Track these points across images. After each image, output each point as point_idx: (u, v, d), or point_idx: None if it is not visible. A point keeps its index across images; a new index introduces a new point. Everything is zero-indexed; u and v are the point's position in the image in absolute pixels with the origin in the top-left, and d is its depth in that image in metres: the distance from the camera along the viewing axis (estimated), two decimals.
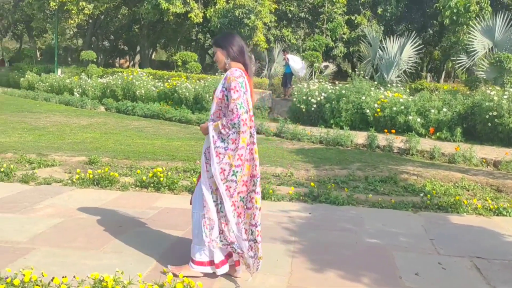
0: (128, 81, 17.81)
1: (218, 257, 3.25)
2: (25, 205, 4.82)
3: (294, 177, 6.93)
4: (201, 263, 3.28)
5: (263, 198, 5.53)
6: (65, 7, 21.38)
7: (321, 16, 22.72)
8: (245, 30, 18.23)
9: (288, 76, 15.07)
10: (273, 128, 11.42)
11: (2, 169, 5.90)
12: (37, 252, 3.60)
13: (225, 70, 3.32)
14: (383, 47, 17.00)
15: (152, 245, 3.86)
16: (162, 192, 5.67)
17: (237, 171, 3.12)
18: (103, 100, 16.97)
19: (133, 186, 5.81)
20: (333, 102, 11.90)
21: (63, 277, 2.83)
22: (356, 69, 19.98)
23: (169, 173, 5.98)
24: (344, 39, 22.51)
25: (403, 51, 16.77)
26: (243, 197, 3.24)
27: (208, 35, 30.47)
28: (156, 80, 17.85)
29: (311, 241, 4.13)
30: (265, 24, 19.16)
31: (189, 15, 20.07)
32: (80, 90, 20.01)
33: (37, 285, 2.78)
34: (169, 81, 17.35)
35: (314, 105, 12.41)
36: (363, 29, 22.26)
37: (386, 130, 10.34)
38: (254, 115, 11.11)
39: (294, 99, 12.98)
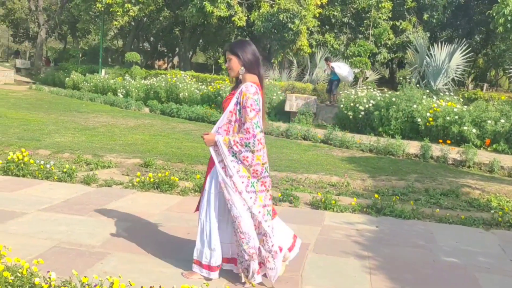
0: (172, 83, 17.99)
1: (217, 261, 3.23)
2: (92, 207, 4.85)
3: (351, 187, 6.77)
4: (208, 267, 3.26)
5: (325, 208, 5.44)
6: (111, 9, 21.80)
7: (365, 21, 22.41)
8: (288, 35, 18.14)
9: (334, 83, 14.76)
10: (320, 134, 11.26)
11: (64, 170, 5.98)
12: (112, 257, 3.58)
13: (237, 79, 3.28)
14: (430, 54, 16.60)
15: None
16: None
17: (254, 182, 3.13)
18: (148, 101, 17.17)
19: (192, 190, 5.78)
20: (382, 110, 11.63)
21: (151, 286, 2.78)
22: (395, 75, 19.62)
23: None
24: (387, 45, 22.11)
25: (452, 59, 16.33)
26: (269, 210, 3.23)
27: (248, 39, 30.45)
28: (200, 83, 17.96)
29: (386, 258, 3.97)
30: (307, 28, 19.00)
31: (232, 19, 20.14)
32: (124, 91, 20.35)
33: None
34: (212, 84, 17.43)
35: (362, 112, 12.18)
36: (408, 35, 21.86)
37: (441, 141, 10.02)
38: (300, 121, 11.03)
39: (342, 106, 12.78)
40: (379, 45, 20.88)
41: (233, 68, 3.22)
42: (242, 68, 3.19)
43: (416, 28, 22.40)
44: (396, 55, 22.46)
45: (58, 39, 40.45)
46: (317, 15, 19.57)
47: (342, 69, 14.68)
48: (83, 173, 6.26)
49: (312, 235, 4.45)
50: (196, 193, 5.75)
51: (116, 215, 4.64)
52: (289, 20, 17.77)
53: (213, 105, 16.33)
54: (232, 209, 3.10)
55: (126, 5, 21.31)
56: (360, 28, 22.56)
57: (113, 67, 24.93)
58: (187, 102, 17.10)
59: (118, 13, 21.58)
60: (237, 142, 3.06)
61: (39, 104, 16.53)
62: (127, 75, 21.47)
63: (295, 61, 21.10)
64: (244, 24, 20.56)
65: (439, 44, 16.39)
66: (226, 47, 3.34)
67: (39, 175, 5.90)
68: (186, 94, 17.27)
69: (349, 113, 12.45)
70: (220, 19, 20.48)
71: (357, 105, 12.31)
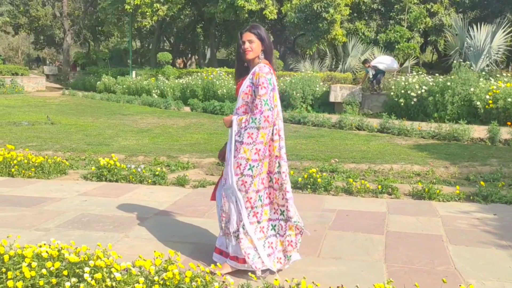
0: (208, 80, 17.98)
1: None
2: (203, 209, 4.82)
3: (436, 175, 6.66)
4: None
5: (429, 198, 5.34)
6: (140, 10, 21.83)
7: (395, 6, 22.06)
8: (323, 24, 17.94)
9: (379, 75, 14.42)
10: (376, 124, 11.13)
11: (157, 173, 5.98)
12: None
13: (250, 63, 3.21)
14: (469, 35, 16.27)
15: (366, 250, 3.74)
16: (319, 193, 5.55)
17: (253, 166, 3.06)
18: (189, 100, 17.17)
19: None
20: (437, 95, 11.44)
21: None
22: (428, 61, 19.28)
23: (323, 174, 5.83)
24: (420, 29, 21.74)
25: (494, 39, 15.98)
26: (261, 196, 3.16)
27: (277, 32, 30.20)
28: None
29: None
30: (341, 17, 18.78)
31: (264, 12, 20.01)
32: (158, 91, 20.41)
33: None
34: None
35: (414, 99, 11.99)
36: (441, 18, 21.47)
37: (509, 123, 9.78)
38: (345, 111, 10.93)
39: (392, 93, 12.60)
40: (414, 29, 20.52)
41: (254, 50, 3.16)
42: (262, 54, 3.19)
43: (448, 10, 21.97)
44: (430, 38, 22.06)
45: (79, 43, 40.69)
46: (349, 3, 19.32)
47: (385, 60, 14.35)
48: (172, 175, 6.25)
49: (437, 226, 4.36)
50: (297, 190, 5.69)
51: None
52: (323, 9, 17.58)
53: None
54: (226, 184, 3.14)
55: (155, 5, 21.30)
56: (391, 14, 22.21)
57: (143, 68, 25.00)
58: (226, 98, 17.05)
59: (147, 13, 21.59)
60: (248, 119, 3.06)
61: (81, 109, 16.66)
62: (160, 75, 21.50)
63: (328, 51, 20.92)
64: (275, 17, 20.41)
65: (481, 25, 16.04)
66: (248, 28, 3.22)
67: (133, 179, 5.91)
68: (225, 90, 17.24)
69: (400, 100, 12.27)
70: (250, 13, 20.33)
71: (408, 92, 12.13)
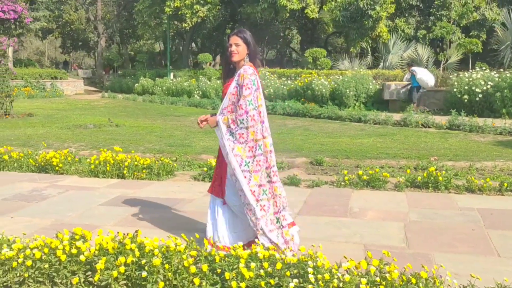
0: None
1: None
2: (338, 208, 4.80)
3: None
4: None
5: None
6: (180, 12, 21.94)
7: (435, 2, 21.79)
8: (368, 22, 17.81)
9: (415, 89, 14.19)
10: (444, 121, 11.01)
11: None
12: (439, 258, 3.51)
13: (236, 65, 3.41)
14: None
15: None
16: (441, 192, 5.48)
17: (249, 162, 3.27)
18: None
19: (405, 186, 5.67)
20: (506, 91, 11.27)
21: None
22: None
23: (443, 172, 5.76)
24: (461, 24, 21.45)
25: None
26: (265, 190, 3.36)
27: (308, 32, 30.12)
28: (284, 78, 17.88)
29: None
30: (387, 14, 18.62)
31: (305, 11, 19.95)
32: (200, 92, 20.49)
33: None
34: (298, 78, 17.32)
35: (480, 95, 11.83)
36: (484, 13, 21.16)
37: None
38: (401, 109, 10.90)
39: (455, 90, 12.44)
40: (461, 25, 20.24)
41: (240, 53, 3.36)
42: (247, 57, 3.38)
43: (490, 4, 21.63)
44: (471, 33, 21.74)
45: (106, 46, 41.05)
46: (393, 0, 19.16)
47: (423, 74, 14.09)
48: (285, 174, 6.25)
49: None
50: (410, 188, 5.64)
51: (374, 215, 4.58)
52: (369, 7, 17.45)
53: (302, 99, 16.22)
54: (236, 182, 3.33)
55: (195, 6, 21.39)
56: (431, 10, 21.94)
57: (181, 70, 25.10)
58: (273, 98, 17.04)
59: (187, 15, 21.69)
60: (234, 120, 3.25)
61: (130, 111, 16.78)
62: (201, 76, 21.58)
63: (369, 49, 20.76)
64: (317, 15, 20.33)
65: None
66: (235, 32, 3.44)
67: None
68: (272, 90, 17.22)
69: (464, 96, 12.12)
70: (292, 12, 20.29)
71: (473, 88, 11.96)
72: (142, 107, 18.25)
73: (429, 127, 11.23)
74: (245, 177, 3.29)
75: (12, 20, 13.37)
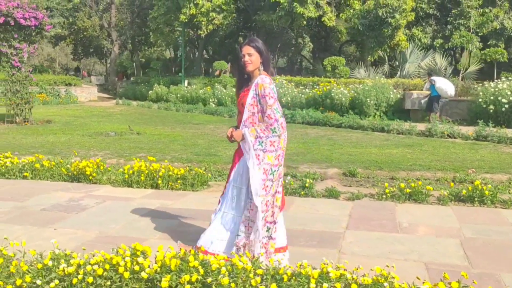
0: None
1: None
2: (387, 223, 4.66)
3: None
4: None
5: None
6: (195, 19, 21.95)
7: (453, 11, 21.69)
8: (387, 30, 17.71)
9: (435, 99, 14.05)
10: (471, 131, 10.86)
11: (306, 185, 5.84)
12: None
13: (250, 74, 3.38)
14: None
15: None
16: (487, 206, 5.33)
17: (275, 170, 3.27)
18: None
19: (447, 199, 5.52)
20: None
21: None
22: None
23: (488, 185, 5.61)
24: (479, 34, 21.32)
25: None
26: (278, 198, 3.38)
27: (321, 39, 30.08)
28: (302, 87, 17.79)
29: None
30: (407, 22, 18.51)
31: (322, 19, 19.89)
32: (216, 100, 20.44)
33: None
34: (316, 86, 17.22)
35: (506, 105, 11.66)
36: (502, 21, 21.02)
37: None
38: (422, 119, 10.83)
39: (480, 100, 12.28)
40: (479, 34, 20.10)
41: (253, 63, 3.34)
42: (261, 66, 3.36)
43: (508, 14, 21.49)
44: (489, 42, 21.59)
45: (118, 53, 41.20)
46: (410, 8, 19.07)
47: (442, 83, 13.95)
48: (316, 186, 6.12)
49: None
50: (455, 202, 5.49)
51: (425, 230, 4.44)
52: (388, 15, 17.35)
53: (321, 108, 16.11)
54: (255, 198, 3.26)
55: (211, 14, 21.40)
56: (448, 19, 21.83)
57: (196, 77, 25.09)
58: (290, 107, 16.95)
59: (203, 22, 21.69)
60: (264, 130, 3.22)
61: (147, 118, 16.75)
62: (216, 84, 21.53)
63: (386, 58, 20.65)
64: (334, 23, 20.25)
65: None
66: (247, 42, 3.41)
67: (285, 192, 5.80)
68: (289, 98, 17.14)
69: (490, 107, 11.96)
70: (309, 20, 20.23)
71: (498, 98, 11.79)
72: (159, 115, 18.21)
73: (455, 137, 11.08)
74: (266, 186, 3.27)
75: (33, 27, 13.31)
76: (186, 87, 23.45)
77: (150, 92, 24.90)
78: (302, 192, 5.79)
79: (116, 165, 7.68)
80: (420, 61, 20.14)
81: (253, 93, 3.30)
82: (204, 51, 44.49)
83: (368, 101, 14.49)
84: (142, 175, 6.09)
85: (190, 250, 3.16)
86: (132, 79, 30.99)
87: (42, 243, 3.90)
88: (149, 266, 2.99)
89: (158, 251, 3.15)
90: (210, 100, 20.53)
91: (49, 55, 51.65)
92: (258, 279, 2.86)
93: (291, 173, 7.17)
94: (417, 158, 8.37)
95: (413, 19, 18.69)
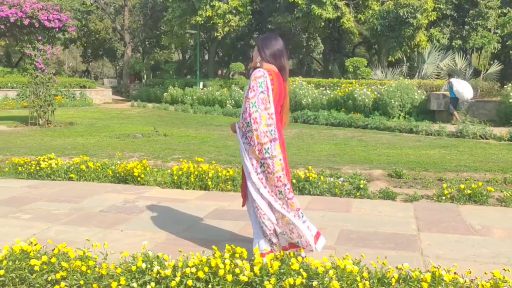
0: (290, 90, 17.78)
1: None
2: (456, 225, 4.54)
3: None
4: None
5: None
6: (211, 22, 21.89)
7: (470, 11, 21.53)
8: (408, 30, 17.57)
9: (451, 101, 13.90)
10: (504, 132, 10.72)
11: (361, 186, 5.73)
12: None
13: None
14: None
15: None
16: None
17: (263, 163, 3.22)
18: None
19: (509, 201, 5.38)
20: None
21: None
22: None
23: None
24: (498, 34, 21.14)
25: None
26: (280, 191, 3.29)
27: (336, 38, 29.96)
28: (322, 88, 17.68)
29: None
30: (428, 22, 18.36)
31: (341, 20, 19.78)
32: (233, 102, 20.34)
33: None
34: (337, 88, 17.10)
35: None
36: None
37: None
38: (448, 120, 10.60)
39: (511, 100, 12.13)
40: (498, 35, 19.94)
41: (253, 58, 3.42)
42: (259, 59, 3.34)
43: None
44: (508, 43, 21.40)
45: (133, 55, 41.19)
46: (430, 9, 18.94)
47: (460, 86, 13.77)
48: (370, 187, 6.00)
49: None
50: None
51: (501, 232, 4.31)
52: (409, 15, 17.22)
53: (342, 109, 15.99)
54: (249, 189, 3.28)
55: (227, 15, 21.33)
56: (466, 20, 21.67)
57: (211, 79, 25.03)
58: (311, 108, 16.84)
59: (219, 24, 21.62)
60: (243, 124, 3.24)
61: (167, 120, 16.67)
62: (233, 85, 21.44)
63: (404, 59, 20.51)
64: (352, 24, 20.14)
65: None
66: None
67: (338, 193, 5.68)
68: (310, 100, 17.02)
69: None
70: (328, 21, 20.12)
71: None
72: (178, 117, 18.13)
73: (487, 138, 10.94)
74: (260, 178, 3.27)
75: (57, 29, 13.26)
76: (202, 89, 23.38)
77: (165, 94, 24.84)
78: (358, 194, 5.67)
79: (154, 166, 7.58)
80: (439, 61, 20.00)
81: (248, 86, 3.31)
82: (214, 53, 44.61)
83: (393, 102, 14.36)
84: (192, 176, 5.98)
85: (290, 253, 3.05)
86: (144, 81, 30.93)
87: (114, 245, 3.79)
88: (251, 269, 2.88)
89: (254, 254, 3.05)
90: (227, 101, 20.44)
91: (58, 58, 51.73)
92: (367, 283, 2.75)
93: (334, 175, 7.04)
94: (457, 159, 8.23)
95: (435, 18, 18.54)
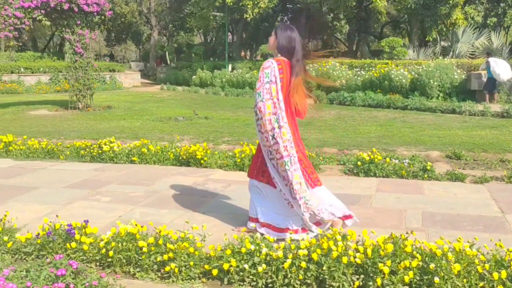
0: (324, 71, 17.60)
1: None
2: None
3: None
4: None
5: None
6: (241, 3, 21.70)
7: None
8: (445, 8, 17.14)
9: (489, 80, 13.50)
10: None
11: (428, 167, 5.66)
12: None
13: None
14: None
15: None
16: None
17: (271, 151, 3.38)
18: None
19: None
20: None
21: None
22: None
23: None
24: None
25: None
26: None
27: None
28: (357, 69, 17.45)
29: None
30: None
31: (373, 0, 19.40)
32: None
33: None
34: (371, 68, 16.87)
35: None
36: None
37: None
38: (489, 100, 10.35)
39: None
40: None
41: (270, 44, 3.61)
42: (276, 49, 3.53)
43: None
44: None
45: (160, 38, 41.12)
46: None
47: (497, 66, 13.35)
48: (442, 169, 5.93)
49: None
50: None
51: None
52: None
53: (378, 90, 15.78)
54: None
55: None
56: None
57: (238, 61, 24.91)
58: (345, 89, 16.65)
59: (249, 6, 21.43)
60: (255, 111, 3.39)
61: (200, 103, 16.68)
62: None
63: (438, 38, 20.08)
64: (385, 3, 19.74)
65: None
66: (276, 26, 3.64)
67: (405, 175, 5.63)
68: (344, 81, 16.83)
69: None
70: (359, 2, 19.76)
71: None
72: (210, 99, 18.13)
73: None
74: (273, 165, 3.43)
75: (95, 13, 13.31)
76: (231, 72, 23.29)
77: (194, 77, 24.80)
78: (425, 176, 5.61)
79: (208, 149, 7.61)
80: (474, 40, 19.52)
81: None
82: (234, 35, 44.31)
83: (432, 82, 14.11)
84: None
85: (401, 235, 3.03)
86: (172, 64, 30.94)
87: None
88: (363, 251, 2.88)
89: (360, 235, 3.05)
90: None
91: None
92: (486, 265, 2.72)
93: (391, 156, 6.97)
94: None
95: None
